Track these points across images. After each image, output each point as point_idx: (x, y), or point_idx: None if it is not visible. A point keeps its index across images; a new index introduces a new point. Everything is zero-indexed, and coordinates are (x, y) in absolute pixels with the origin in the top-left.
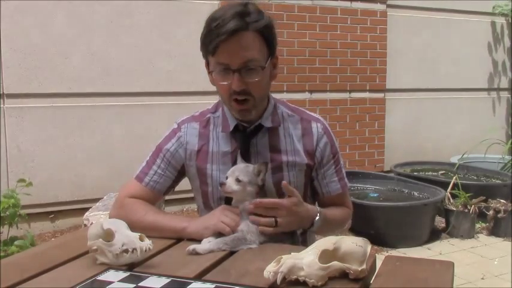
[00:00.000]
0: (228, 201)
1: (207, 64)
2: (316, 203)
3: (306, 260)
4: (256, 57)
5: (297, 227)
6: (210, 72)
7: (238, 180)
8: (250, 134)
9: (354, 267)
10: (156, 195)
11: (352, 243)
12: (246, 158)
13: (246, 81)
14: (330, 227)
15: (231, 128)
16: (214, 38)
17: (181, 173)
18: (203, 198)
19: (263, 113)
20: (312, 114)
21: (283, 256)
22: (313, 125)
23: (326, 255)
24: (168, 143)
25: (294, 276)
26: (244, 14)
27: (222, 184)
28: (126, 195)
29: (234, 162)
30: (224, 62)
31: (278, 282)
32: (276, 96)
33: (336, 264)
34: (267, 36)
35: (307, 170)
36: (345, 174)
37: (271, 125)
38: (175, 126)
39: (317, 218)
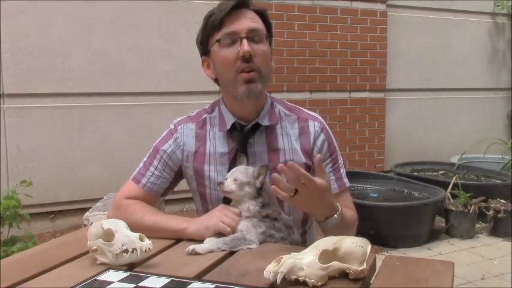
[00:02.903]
0: (226, 201)
1: (205, 60)
2: None
3: (306, 260)
4: (261, 28)
5: (313, 211)
6: (208, 66)
7: (236, 180)
8: (247, 134)
9: (354, 267)
10: (154, 197)
11: (352, 243)
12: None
13: (253, 49)
14: (343, 229)
15: (228, 127)
16: (219, 14)
17: (178, 175)
18: (201, 200)
19: (260, 112)
20: (310, 112)
21: (283, 256)
22: (310, 123)
23: (326, 255)
24: (164, 144)
25: (294, 276)
26: (244, 0)
27: (221, 183)
28: (123, 197)
29: (232, 162)
30: (231, 31)
31: (278, 282)
32: (276, 96)
33: (336, 264)
34: (267, 21)
35: (306, 170)
36: (343, 175)
37: (268, 123)
38: (172, 127)
39: (336, 214)
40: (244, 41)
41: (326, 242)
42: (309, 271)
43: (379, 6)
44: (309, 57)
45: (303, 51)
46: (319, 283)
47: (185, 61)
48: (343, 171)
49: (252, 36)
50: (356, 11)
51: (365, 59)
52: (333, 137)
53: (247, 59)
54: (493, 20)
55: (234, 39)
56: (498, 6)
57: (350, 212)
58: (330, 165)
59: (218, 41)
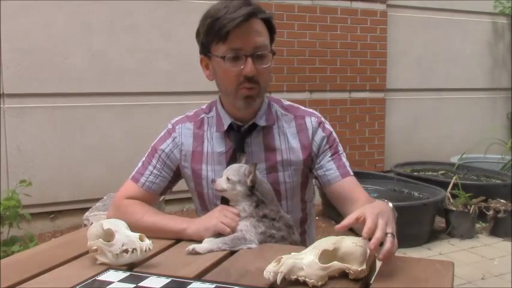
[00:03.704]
0: (224, 201)
1: (203, 60)
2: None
3: (306, 260)
4: (266, 43)
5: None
6: (207, 67)
7: (228, 180)
8: (244, 134)
9: (354, 267)
10: (152, 195)
11: (352, 243)
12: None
13: (257, 67)
14: None
15: (225, 127)
16: (226, 23)
17: (177, 174)
18: (199, 200)
19: (257, 112)
20: (306, 109)
21: (283, 256)
22: (307, 119)
23: (326, 255)
24: (163, 143)
25: (294, 276)
26: (251, 4)
27: (213, 181)
28: (122, 197)
29: (230, 162)
30: (237, 47)
31: (278, 282)
32: (276, 96)
33: (336, 264)
34: (271, 28)
35: (304, 169)
36: (346, 164)
37: (265, 123)
38: (170, 126)
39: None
40: (249, 61)
41: (326, 242)
42: (309, 271)
43: (379, 6)
44: (309, 57)
45: (303, 51)
46: (319, 283)
47: (185, 61)
48: (345, 160)
49: (256, 53)
50: (356, 11)
51: (365, 59)
52: (331, 129)
53: (249, 78)
54: (493, 20)
55: (239, 55)
56: (500, 8)
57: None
58: (329, 154)
59: (223, 57)
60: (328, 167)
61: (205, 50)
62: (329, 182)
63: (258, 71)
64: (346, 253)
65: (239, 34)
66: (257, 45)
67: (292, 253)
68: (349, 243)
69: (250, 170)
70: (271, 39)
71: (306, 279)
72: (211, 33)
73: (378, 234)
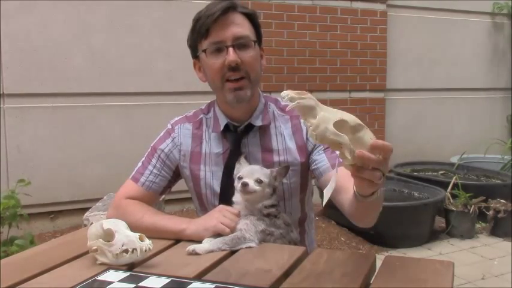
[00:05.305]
0: (222, 201)
1: (196, 63)
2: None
3: (323, 113)
4: (248, 34)
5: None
6: (200, 69)
7: (259, 181)
8: (241, 134)
9: (352, 156)
10: (152, 195)
11: (370, 138)
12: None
13: (240, 56)
14: (379, 205)
15: (222, 128)
16: (205, 20)
17: (176, 174)
18: (198, 200)
19: (253, 112)
20: None
21: (309, 95)
22: (302, 119)
23: (342, 126)
24: (162, 143)
25: (303, 120)
26: (232, 3)
27: (245, 185)
28: (123, 196)
29: (227, 163)
30: (217, 40)
31: (289, 108)
32: (276, 96)
33: (345, 138)
34: (255, 22)
35: (303, 170)
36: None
37: (261, 123)
38: (169, 127)
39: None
40: (230, 50)
41: (351, 117)
42: (319, 123)
43: (379, 6)
44: (309, 57)
45: (303, 51)
46: (317, 141)
47: (185, 61)
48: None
49: (238, 43)
50: (356, 11)
51: (365, 59)
52: None
53: (233, 67)
54: (493, 20)
55: (220, 47)
56: (498, 8)
57: None
58: (322, 147)
59: (204, 51)
60: (320, 159)
61: (194, 52)
62: (321, 173)
63: (243, 60)
64: (360, 140)
65: (218, 27)
66: (237, 35)
67: (319, 103)
68: (369, 134)
69: (280, 171)
70: (258, 35)
71: (311, 128)
72: (195, 33)
73: (375, 157)
